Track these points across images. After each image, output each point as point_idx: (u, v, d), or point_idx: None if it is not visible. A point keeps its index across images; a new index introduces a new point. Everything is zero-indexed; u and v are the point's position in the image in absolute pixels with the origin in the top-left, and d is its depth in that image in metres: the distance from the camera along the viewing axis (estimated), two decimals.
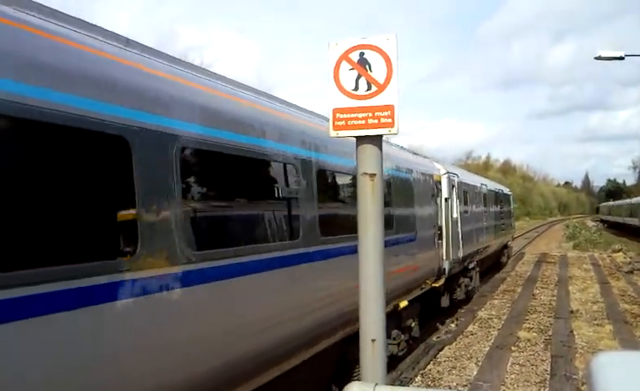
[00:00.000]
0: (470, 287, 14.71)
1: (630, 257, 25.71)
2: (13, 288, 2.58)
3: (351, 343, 6.01)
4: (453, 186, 12.61)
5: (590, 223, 69.59)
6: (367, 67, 3.38)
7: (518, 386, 7.80)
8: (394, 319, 8.60)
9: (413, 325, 9.67)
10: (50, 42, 3.07)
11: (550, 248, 33.06)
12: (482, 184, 18.49)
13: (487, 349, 9.75)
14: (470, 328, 11.44)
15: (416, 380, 8.23)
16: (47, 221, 2.91)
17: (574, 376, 8.01)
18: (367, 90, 3.38)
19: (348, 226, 5.60)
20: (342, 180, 6.77)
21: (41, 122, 2.80)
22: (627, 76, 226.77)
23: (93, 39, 3.44)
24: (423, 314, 10.68)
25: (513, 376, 8.20)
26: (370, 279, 3.40)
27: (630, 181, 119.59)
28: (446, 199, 11.97)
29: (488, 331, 11.08)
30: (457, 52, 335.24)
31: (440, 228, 11.34)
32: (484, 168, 78.95)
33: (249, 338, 4.43)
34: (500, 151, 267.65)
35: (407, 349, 9.35)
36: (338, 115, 3.43)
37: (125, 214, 3.35)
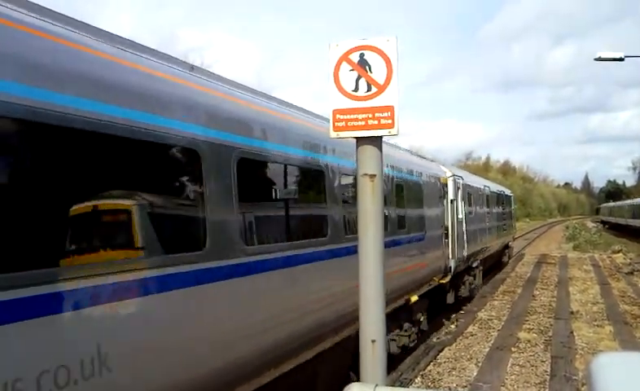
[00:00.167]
0: (473, 285, 15.42)
1: (630, 258, 25.72)
2: (167, 267, 3.54)
3: None
4: (458, 188, 13.17)
5: (590, 224, 69.46)
6: (367, 68, 3.39)
7: (518, 387, 7.80)
8: (406, 313, 9.37)
9: (422, 319, 10.34)
10: (157, 78, 3.93)
11: (549, 249, 33.05)
12: (485, 186, 19.19)
13: (487, 349, 9.75)
14: (470, 329, 11.44)
15: (416, 380, 8.23)
16: (167, 220, 3.88)
17: (574, 377, 8.01)
18: (367, 90, 3.38)
19: None
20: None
21: (152, 142, 3.58)
22: (627, 77, 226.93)
23: (171, 68, 4.18)
24: (430, 311, 11.19)
25: (513, 377, 8.19)
26: (370, 280, 3.40)
27: (630, 182, 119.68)
28: (452, 201, 12.52)
29: (488, 332, 11.08)
30: (457, 54, 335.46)
31: (447, 228, 11.96)
32: (484, 169, 78.97)
33: (293, 322, 5.16)
34: (500, 153, 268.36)
35: (417, 341, 10.03)
36: (338, 116, 3.43)
37: (198, 214, 3.99)
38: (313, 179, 6.01)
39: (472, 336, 10.88)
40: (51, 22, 3.20)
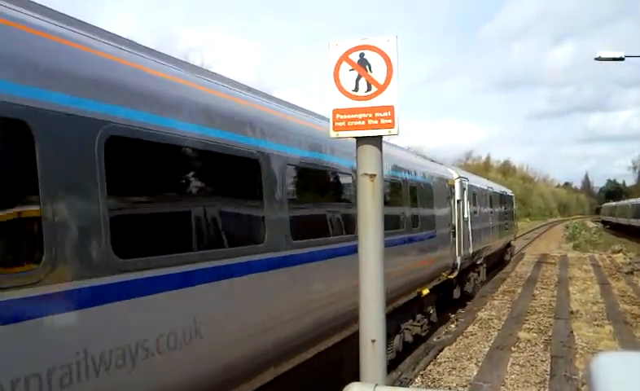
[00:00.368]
0: (477, 281, 16.36)
1: (630, 258, 25.72)
2: (244, 256, 4.35)
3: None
4: (464, 189, 13.88)
5: (590, 224, 69.33)
6: (367, 67, 3.38)
7: (518, 386, 7.80)
8: (418, 305, 10.24)
9: (432, 311, 11.27)
10: (239, 104, 4.80)
11: (550, 249, 33.05)
12: (488, 187, 20.07)
13: (487, 349, 9.75)
14: (470, 329, 11.44)
15: (416, 380, 8.23)
16: (246, 219, 4.67)
17: (574, 377, 8.01)
18: (367, 90, 3.38)
19: (394, 224, 8.22)
20: (384, 187, 8.33)
21: (225, 154, 4.30)
22: (627, 77, 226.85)
23: (232, 89, 4.92)
24: (437, 306, 11.95)
25: (513, 377, 8.19)
26: (370, 280, 3.40)
27: (630, 181, 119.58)
28: (458, 201, 13.28)
29: (488, 332, 11.08)
30: (457, 54, 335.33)
31: (454, 227, 12.73)
32: (484, 168, 78.96)
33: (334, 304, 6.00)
34: (500, 152, 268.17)
35: (428, 331, 10.95)
36: (338, 115, 3.43)
37: (257, 213, 4.71)
38: (339, 183, 6.88)
39: (472, 335, 10.88)
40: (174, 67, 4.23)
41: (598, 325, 11.39)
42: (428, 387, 7.82)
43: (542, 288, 16.62)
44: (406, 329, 9.73)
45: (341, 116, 3.42)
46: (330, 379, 3.77)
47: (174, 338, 3.51)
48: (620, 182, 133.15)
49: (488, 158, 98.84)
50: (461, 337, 10.74)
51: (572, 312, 12.77)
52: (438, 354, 9.53)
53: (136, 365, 3.20)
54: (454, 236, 12.64)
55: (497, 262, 22.56)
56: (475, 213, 15.62)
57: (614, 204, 68.95)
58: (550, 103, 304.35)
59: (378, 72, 3.36)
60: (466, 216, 13.79)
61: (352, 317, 6.26)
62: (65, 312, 2.82)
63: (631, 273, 19.96)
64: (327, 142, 6.06)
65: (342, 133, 3.43)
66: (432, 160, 13.80)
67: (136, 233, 3.46)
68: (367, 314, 3.40)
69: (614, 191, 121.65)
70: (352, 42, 3.43)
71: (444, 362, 9.11)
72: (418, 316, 10.28)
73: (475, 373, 8.41)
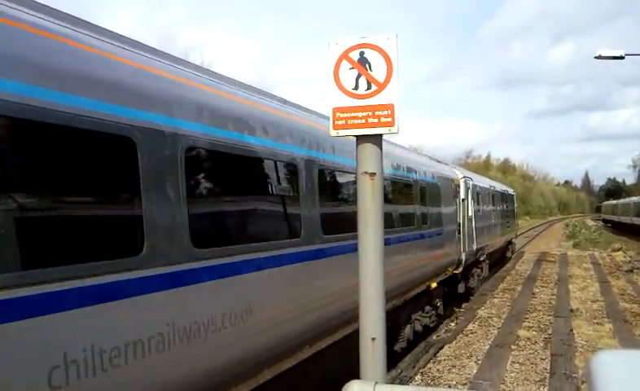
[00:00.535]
0: (481, 277, 17.20)
1: (630, 256, 25.73)
2: (286, 248, 5.03)
3: (397, 313, 9.01)
4: (468, 189, 14.50)
5: (590, 222, 69.24)
6: (367, 66, 3.38)
7: (517, 385, 7.81)
8: (427, 297, 11.00)
9: (439, 304, 12.06)
10: (281, 117, 5.45)
11: (549, 247, 33.07)
12: (491, 186, 20.81)
13: (487, 347, 9.76)
14: (470, 327, 11.45)
15: (416, 378, 8.24)
16: (291, 217, 5.32)
17: (574, 375, 8.02)
18: (367, 89, 3.38)
19: (407, 222, 9.11)
20: (398, 187, 9.12)
21: (274, 160, 5.00)
22: (627, 75, 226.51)
23: (278, 104, 5.65)
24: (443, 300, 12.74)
25: (513, 375, 8.20)
26: (370, 278, 3.40)
27: (630, 180, 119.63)
28: (463, 200, 13.93)
29: (488, 330, 11.09)
30: (457, 53, 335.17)
31: (459, 224, 13.39)
32: (484, 167, 78.92)
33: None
34: (500, 151, 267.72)
35: (435, 322, 11.76)
36: (338, 114, 3.43)
37: (296, 211, 5.36)
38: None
39: (472, 333, 10.89)
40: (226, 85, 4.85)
41: (597, 323, 11.40)
42: (428, 385, 7.82)
43: (542, 286, 16.63)
44: (416, 320, 10.45)
45: (341, 115, 3.42)
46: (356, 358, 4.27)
47: (234, 316, 4.17)
48: (619, 180, 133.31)
49: (488, 157, 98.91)
50: (461, 335, 10.76)
51: (571, 310, 12.78)
52: (438, 352, 9.54)
53: (207, 339, 3.83)
54: (459, 233, 13.24)
55: (499, 259, 23.12)
56: (479, 211, 16.22)
57: (615, 202, 67.05)
58: (549, 101, 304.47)
59: (378, 70, 3.36)
60: (470, 214, 14.38)
61: None
62: (157, 291, 3.44)
63: (631, 271, 19.96)
64: (349, 146, 6.83)
65: (342, 132, 3.43)
66: (439, 161, 14.39)
67: (207, 227, 4.17)
68: (367, 313, 3.40)
69: (614, 190, 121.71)
70: (352, 41, 3.43)
71: (444, 360, 9.12)
72: (427, 308, 11.04)
73: (474, 371, 8.42)
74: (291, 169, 5.33)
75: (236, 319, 4.18)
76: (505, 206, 23.90)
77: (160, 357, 3.39)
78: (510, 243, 26.11)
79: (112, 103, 3.24)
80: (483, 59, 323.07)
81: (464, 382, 7.98)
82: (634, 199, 50.17)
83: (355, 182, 6.87)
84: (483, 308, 13.49)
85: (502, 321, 11.89)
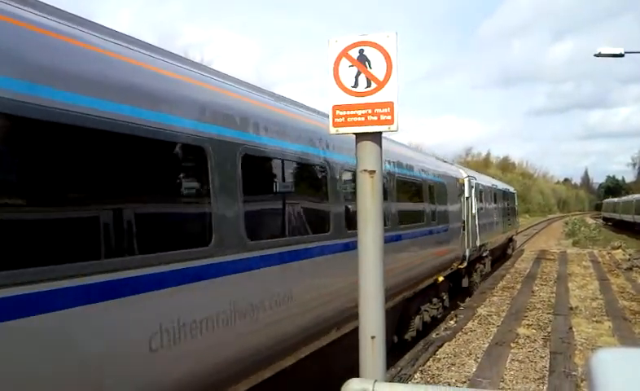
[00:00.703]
0: (484, 272, 17.97)
1: (629, 254, 25.75)
2: (318, 242, 5.66)
3: (408, 304, 9.90)
4: (472, 187, 15.11)
5: (590, 220, 69.17)
6: (367, 64, 3.38)
7: (517, 382, 7.82)
8: (434, 290, 11.70)
9: (445, 297, 12.68)
10: (306, 123, 6.05)
11: (549, 245, 33.10)
12: (493, 184, 21.58)
13: (486, 345, 9.77)
14: (469, 325, 11.46)
15: (415, 376, 8.25)
16: (322, 214, 5.99)
17: (573, 373, 8.02)
18: (367, 86, 3.38)
19: (418, 218, 9.95)
20: (412, 186, 9.92)
21: (306, 163, 5.81)
22: (627, 73, 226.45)
23: (309, 113, 6.37)
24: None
25: (512, 373, 8.21)
26: (370, 276, 3.40)
27: (629, 178, 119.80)
28: (467, 198, 14.49)
29: (488, 328, 11.10)
30: (457, 50, 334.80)
31: (463, 221, 13.96)
32: (483, 165, 78.96)
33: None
34: (499, 148, 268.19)
35: (442, 314, 12.41)
36: (337, 111, 3.42)
37: (326, 209, 6.04)
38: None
39: (472, 331, 10.90)
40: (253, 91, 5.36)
41: (597, 321, 11.41)
42: (427, 383, 7.83)
43: (541, 284, 16.64)
44: (425, 311, 11.13)
45: (341, 112, 3.42)
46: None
47: (278, 300, 4.81)
48: (619, 178, 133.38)
49: (488, 154, 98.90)
50: (460, 333, 10.76)
51: (571, 308, 12.78)
52: (437, 350, 9.55)
53: (258, 319, 4.49)
54: (463, 230, 13.85)
55: (501, 256, 23.69)
56: (482, 209, 16.76)
57: (616, 200, 64.33)
58: (549, 99, 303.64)
59: (377, 68, 3.36)
60: (473, 212, 15.00)
61: (388, 293, 8.04)
62: (222, 276, 4.08)
63: (630, 269, 19.98)
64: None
65: (341, 130, 3.43)
66: (444, 161, 15.21)
67: (257, 222, 4.77)
68: (367, 311, 3.40)
69: (613, 188, 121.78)
70: (351, 38, 3.42)
71: (444, 358, 9.13)
72: (434, 300, 11.73)
73: (474, 369, 8.42)
74: (322, 170, 6.13)
75: (279, 303, 4.85)
76: (506, 204, 24.52)
77: (225, 330, 4.06)
78: (511, 239, 26.80)
79: (191, 119, 3.98)
80: (483, 57, 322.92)
81: (463, 380, 7.98)
82: (637, 196, 48.37)
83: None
84: (482, 306, 13.50)
85: (502, 319, 11.91)
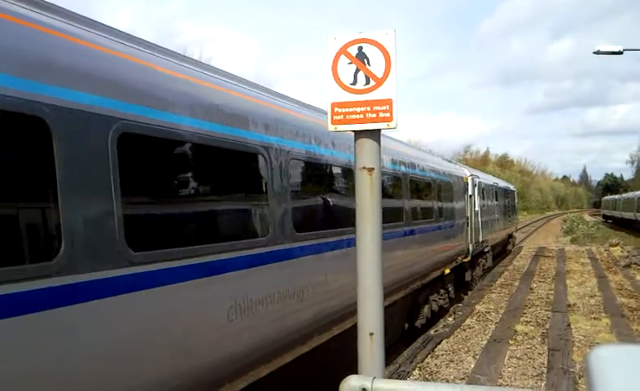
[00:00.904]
0: (485, 266, 19.03)
1: (628, 251, 25.78)
2: (344, 235, 6.26)
3: (418, 294, 10.92)
4: (475, 186, 15.90)
5: (588, 217, 69.15)
6: (366, 61, 3.37)
7: (515, 379, 7.84)
8: (441, 282, 12.71)
9: (450, 288, 13.66)
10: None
11: (547, 242, 33.14)
12: (494, 183, 22.48)
13: (484, 342, 9.79)
14: (467, 322, 11.48)
15: (414, 373, 8.26)
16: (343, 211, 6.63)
17: (571, 369, 8.04)
18: (366, 84, 3.37)
19: (429, 215, 10.81)
20: (423, 185, 10.77)
21: (335, 165, 6.57)
22: (626, 71, 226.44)
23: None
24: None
25: (510, 369, 8.23)
26: (368, 273, 3.40)
27: (628, 175, 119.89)
28: (470, 196, 15.30)
29: (486, 325, 11.12)
30: (457, 48, 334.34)
31: (467, 218, 14.81)
32: (482, 162, 78.96)
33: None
34: (498, 146, 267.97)
35: (448, 304, 13.35)
36: (336, 109, 3.42)
37: (350, 206, 6.44)
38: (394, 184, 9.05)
39: (470, 328, 10.92)
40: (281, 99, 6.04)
41: (595, 318, 11.43)
42: (426, 379, 7.85)
43: (540, 282, 16.67)
44: (433, 301, 12.15)
45: (339, 110, 3.41)
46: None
47: (315, 283, 5.63)
48: (617, 175, 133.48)
49: (486, 152, 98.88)
50: (458, 330, 10.78)
51: (569, 305, 12.81)
52: (436, 347, 9.57)
53: (304, 299, 5.37)
54: (467, 226, 14.74)
55: (501, 251, 24.78)
56: (484, 206, 17.65)
57: (617, 197, 62.48)
58: (548, 97, 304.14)
59: (376, 65, 3.36)
60: (476, 209, 15.88)
61: (401, 284, 8.92)
62: (275, 262, 4.98)
63: (628, 266, 20.01)
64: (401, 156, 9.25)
65: (340, 127, 3.42)
66: (449, 161, 16.29)
67: (301, 217, 5.48)
68: (366, 308, 3.40)
69: (612, 185, 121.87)
70: (350, 36, 3.42)
71: (442, 354, 9.15)
72: (441, 291, 12.73)
73: (472, 366, 8.44)
74: (348, 172, 6.68)
75: (315, 287, 5.65)
76: (507, 201, 25.55)
77: (280, 305, 4.93)
78: (511, 236, 27.98)
79: (252, 131, 4.77)
80: (482, 55, 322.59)
81: (462, 377, 8.00)
82: (638, 193, 46.62)
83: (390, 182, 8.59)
84: (481, 303, 13.52)
85: (500, 316, 11.93)
